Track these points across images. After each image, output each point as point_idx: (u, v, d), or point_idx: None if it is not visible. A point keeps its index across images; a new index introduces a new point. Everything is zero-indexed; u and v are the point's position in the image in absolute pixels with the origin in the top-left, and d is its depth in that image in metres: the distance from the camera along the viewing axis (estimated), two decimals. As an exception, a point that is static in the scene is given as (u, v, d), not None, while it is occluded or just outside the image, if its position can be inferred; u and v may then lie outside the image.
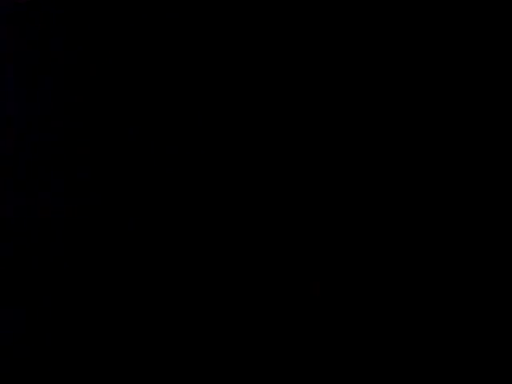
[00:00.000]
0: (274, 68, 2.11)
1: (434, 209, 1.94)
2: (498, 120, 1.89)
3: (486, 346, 1.85)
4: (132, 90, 2.30)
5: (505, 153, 1.88)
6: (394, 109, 1.98)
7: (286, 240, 2.07)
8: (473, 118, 1.92)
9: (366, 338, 1.95)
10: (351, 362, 1.95)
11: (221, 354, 2.08)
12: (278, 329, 2.04)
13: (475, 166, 1.91)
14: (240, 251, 2.12)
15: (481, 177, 1.90)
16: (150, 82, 2.28)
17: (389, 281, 1.95)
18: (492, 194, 1.89)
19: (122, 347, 2.20)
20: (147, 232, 2.24)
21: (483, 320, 1.86)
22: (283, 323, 2.03)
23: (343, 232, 2.01)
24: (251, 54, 2.14)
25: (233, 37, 2.16)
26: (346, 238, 2.01)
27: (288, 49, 2.09)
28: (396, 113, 1.98)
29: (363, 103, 2.01)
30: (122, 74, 2.32)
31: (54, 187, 2.41)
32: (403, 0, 1.97)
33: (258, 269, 2.09)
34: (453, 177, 1.93)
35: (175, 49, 2.25)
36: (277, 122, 2.11)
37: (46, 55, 2.46)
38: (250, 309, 2.07)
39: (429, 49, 1.96)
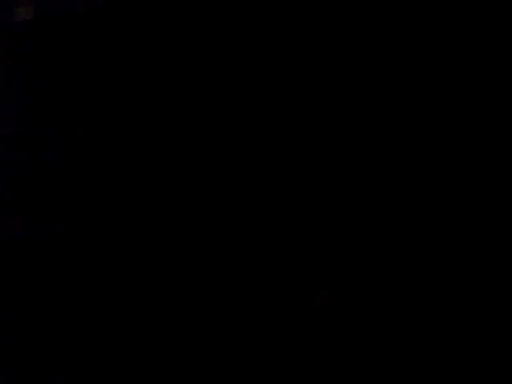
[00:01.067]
0: (273, 70, 2.11)
1: (438, 219, 1.93)
2: (498, 120, 1.89)
3: (486, 346, 1.85)
4: (132, 96, 2.30)
5: (505, 153, 1.88)
6: (394, 109, 1.98)
7: (289, 251, 2.06)
8: (473, 118, 1.91)
9: (367, 349, 1.95)
10: (353, 372, 1.95)
11: (222, 366, 2.07)
12: (280, 339, 2.03)
13: (475, 166, 1.91)
14: (243, 262, 2.11)
15: (481, 177, 1.90)
16: (149, 88, 2.28)
17: (391, 292, 1.95)
18: (492, 195, 1.89)
19: (121, 350, 2.19)
20: (147, 237, 2.24)
21: (484, 320, 1.87)
22: (285, 334, 2.03)
23: (346, 243, 2.01)
24: (251, 56, 2.13)
25: (232, 40, 2.16)
26: (348, 249, 2.00)
27: (287, 51, 2.09)
28: (395, 113, 1.98)
29: (363, 104, 2.01)
30: (122, 82, 2.32)
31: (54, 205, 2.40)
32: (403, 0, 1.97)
33: (262, 280, 2.08)
34: (453, 177, 1.92)
35: (174, 52, 2.25)
36: (277, 124, 2.10)
37: (48, 72, 2.46)
38: (252, 319, 2.07)
39: (428, 49, 1.95)
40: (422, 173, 1.94)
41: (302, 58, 2.08)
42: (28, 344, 2.30)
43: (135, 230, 2.26)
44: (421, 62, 1.95)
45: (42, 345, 2.28)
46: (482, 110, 1.89)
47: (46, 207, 2.40)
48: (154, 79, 2.25)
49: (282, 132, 2.10)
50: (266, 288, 2.07)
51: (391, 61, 1.98)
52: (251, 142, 2.13)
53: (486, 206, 1.88)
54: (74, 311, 2.28)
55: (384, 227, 1.97)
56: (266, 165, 2.11)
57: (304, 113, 2.08)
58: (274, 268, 2.07)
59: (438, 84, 1.93)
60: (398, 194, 1.96)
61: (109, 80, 2.32)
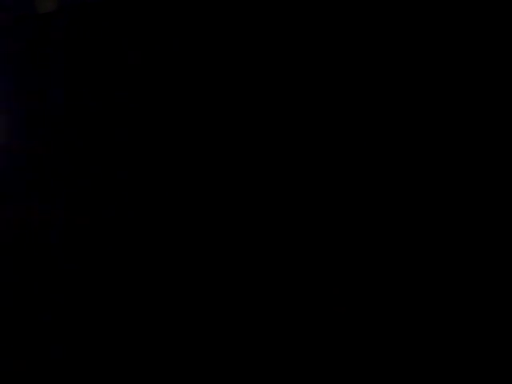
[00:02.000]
0: (273, 70, 2.12)
1: (449, 221, 1.93)
2: (498, 120, 1.89)
3: (486, 346, 1.85)
4: (132, 96, 2.31)
5: (505, 153, 1.88)
6: (394, 109, 1.99)
7: (304, 255, 2.06)
8: (473, 118, 1.92)
9: (380, 352, 1.94)
10: (369, 366, 1.94)
11: (238, 362, 2.07)
12: (293, 341, 2.03)
13: (475, 166, 1.91)
14: (262, 260, 2.11)
15: (480, 177, 1.90)
16: (149, 87, 2.29)
17: (404, 295, 1.95)
18: (492, 195, 1.89)
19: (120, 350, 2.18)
20: (148, 236, 2.24)
21: (484, 320, 1.86)
22: (300, 336, 2.02)
23: (360, 248, 2.01)
24: (251, 56, 2.15)
25: (232, 40, 2.18)
26: (362, 254, 2.01)
27: (287, 50, 2.11)
28: (395, 113, 1.99)
29: (363, 104, 2.02)
30: (122, 78, 2.33)
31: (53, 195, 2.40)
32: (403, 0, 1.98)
33: (280, 275, 2.08)
34: (453, 177, 1.92)
35: (175, 52, 2.26)
36: (278, 124, 2.11)
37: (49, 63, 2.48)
38: (266, 322, 2.06)
39: (428, 49, 1.97)
40: (427, 179, 1.95)
41: (301, 58, 2.09)
42: (29, 338, 2.29)
43: (136, 227, 2.26)
44: (421, 62, 1.96)
45: (43, 339, 2.28)
46: (482, 110, 1.90)
47: (47, 199, 2.40)
48: (183, 68, 2.26)
49: (288, 133, 2.11)
50: (281, 291, 2.07)
51: (391, 61, 1.99)
52: (256, 144, 2.14)
53: (486, 206, 1.88)
54: (73, 309, 2.28)
55: (393, 232, 1.97)
56: (276, 170, 2.11)
57: (304, 113, 2.08)
58: (288, 272, 2.07)
59: (438, 84, 1.94)
60: (407, 200, 1.97)
61: (117, 67, 2.33)
